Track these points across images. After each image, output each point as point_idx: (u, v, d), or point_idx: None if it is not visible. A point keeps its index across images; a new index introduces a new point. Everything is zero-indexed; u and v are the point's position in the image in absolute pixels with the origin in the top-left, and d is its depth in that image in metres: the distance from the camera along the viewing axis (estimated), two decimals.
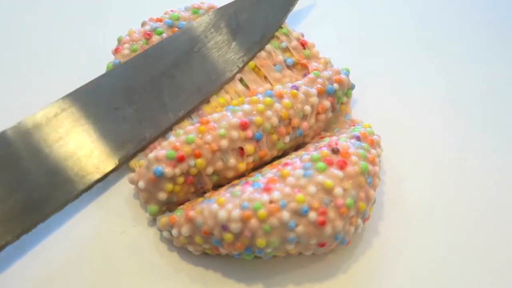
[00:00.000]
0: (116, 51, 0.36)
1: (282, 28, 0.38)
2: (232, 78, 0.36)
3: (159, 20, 0.38)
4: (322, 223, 0.28)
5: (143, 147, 0.32)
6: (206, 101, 0.34)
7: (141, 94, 0.33)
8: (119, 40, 0.37)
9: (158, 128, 0.33)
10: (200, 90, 0.34)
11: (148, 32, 0.37)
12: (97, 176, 0.31)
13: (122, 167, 0.32)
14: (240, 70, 0.36)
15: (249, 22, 0.37)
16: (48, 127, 0.31)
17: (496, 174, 0.35)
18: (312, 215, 0.27)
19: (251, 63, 0.37)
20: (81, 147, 0.31)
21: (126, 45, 0.36)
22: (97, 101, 0.32)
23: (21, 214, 0.28)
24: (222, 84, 0.35)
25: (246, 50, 0.36)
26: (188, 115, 0.34)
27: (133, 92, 0.33)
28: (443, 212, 0.33)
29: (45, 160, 0.30)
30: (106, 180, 0.33)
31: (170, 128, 0.33)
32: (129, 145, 0.32)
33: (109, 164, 0.31)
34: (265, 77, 0.37)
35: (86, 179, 0.30)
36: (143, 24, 0.38)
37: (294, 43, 0.38)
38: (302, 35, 0.38)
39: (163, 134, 0.33)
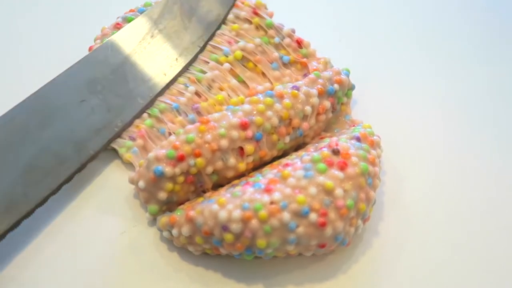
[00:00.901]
0: (90, 50, 0.37)
1: (265, 19, 0.38)
2: (195, 59, 0.36)
3: (132, 10, 0.38)
4: (323, 224, 0.28)
5: (118, 133, 0.33)
6: (172, 83, 0.35)
7: (105, 84, 0.33)
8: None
9: (129, 113, 0.33)
10: (166, 74, 0.35)
11: (119, 23, 0.37)
12: (76, 166, 0.31)
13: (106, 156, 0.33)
14: (202, 49, 0.37)
15: (201, 3, 0.38)
16: (17, 126, 0.31)
17: (496, 174, 0.35)
18: (313, 216, 0.28)
19: (250, 63, 0.37)
20: (55, 141, 0.31)
21: (98, 41, 0.37)
22: (61, 97, 0.32)
23: (1, 212, 0.28)
24: (186, 65, 0.36)
25: (203, 30, 0.37)
26: (158, 97, 0.35)
27: (96, 84, 0.33)
28: (443, 212, 0.33)
29: (21, 156, 0.30)
30: (106, 180, 0.33)
31: (143, 111, 0.34)
32: (102, 134, 0.32)
33: (84, 154, 0.31)
34: (263, 74, 0.37)
35: (64, 171, 0.30)
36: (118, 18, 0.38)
37: (287, 40, 0.38)
38: (293, 31, 0.38)
39: (138, 116, 0.34)
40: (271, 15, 0.39)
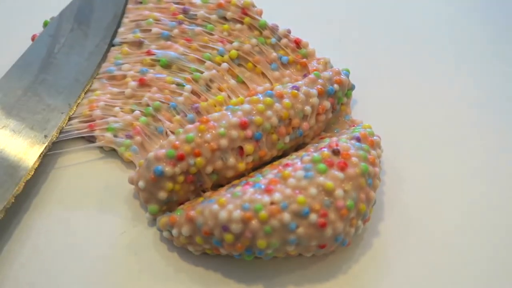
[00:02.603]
0: (33, 38, 0.37)
1: (258, 20, 0.38)
2: (104, 59, 0.37)
3: (36, 35, 0.38)
4: (323, 225, 0.28)
5: (49, 146, 0.33)
6: (89, 88, 0.36)
7: (20, 106, 0.34)
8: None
9: (53, 125, 0.33)
10: (79, 80, 0.35)
11: None
12: (13, 188, 0.30)
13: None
14: (109, 49, 0.38)
15: (94, 8, 0.39)
16: None
17: (496, 174, 0.35)
18: (313, 216, 0.28)
19: (249, 63, 0.37)
20: None
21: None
22: None
23: None
24: (97, 66, 0.36)
25: (104, 31, 0.38)
26: (78, 103, 0.35)
27: (11, 108, 0.33)
28: (443, 212, 0.33)
29: None
30: (105, 180, 0.33)
31: (66, 121, 0.34)
32: (32, 151, 0.32)
33: (17, 176, 0.31)
34: (263, 75, 0.37)
35: (3, 194, 0.30)
36: None
37: (285, 40, 0.38)
38: (289, 31, 0.38)
39: (64, 124, 0.34)
40: (260, 13, 0.39)
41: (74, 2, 0.39)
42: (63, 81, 0.35)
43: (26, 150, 0.32)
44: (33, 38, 0.38)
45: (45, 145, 0.32)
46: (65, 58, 0.36)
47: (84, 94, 0.35)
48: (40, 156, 0.32)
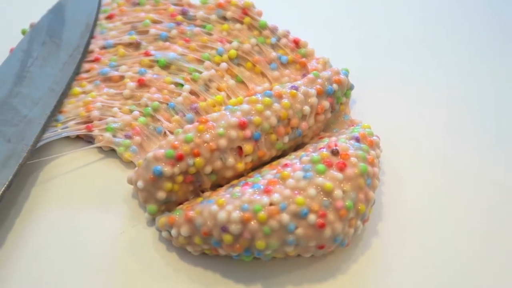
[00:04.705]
0: (11, 50, 0.38)
1: (258, 20, 0.38)
2: (79, 66, 0.37)
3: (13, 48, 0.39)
4: (322, 226, 0.28)
5: (27, 156, 0.32)
6: (66, 95, 0.36)
7: None
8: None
9: (30, 136, 0.33)
10: (54, 90, 0.35)
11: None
12: None
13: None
14: (84, 56, 0.38)
15: (65, 22, 0.39)
16: None
17: (496, 174, 0.35)
18: (312, 217, 0.28)
19: (248, 63, 0.37)
20: None
21: None
22: None
23: None
24: (72, 75, 0.36)
25: (77, 40, 0.38)
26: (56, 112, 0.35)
27: None
28: (443, 212, 0.33)
29: None
30: (104, 180, 0.33)
31: (47, 126, 0.34)
32: (9, 164, 0.31)
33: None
34: (262, 75, 0.37)
35: None
36: None
37: (284, 40, 0.38)
38: (288, 32, 0.38)
39: (42, 134, 0.34)
40: (260, 14, 0.39)
41: (45, 17, 0.39)
42: (38, 92, 0.35)
43: (4, 163, 0.31)
44: (11, 50, 0.38)
45: (24, 156, 0.32)
46: (39, 70, 0.36)
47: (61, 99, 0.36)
48: (19, 166, 0.31)
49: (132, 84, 0.36)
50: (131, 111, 0.35)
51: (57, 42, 0.38)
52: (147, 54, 0.37)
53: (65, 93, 0.36)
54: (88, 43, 0.38)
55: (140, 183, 0.30)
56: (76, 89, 0.36)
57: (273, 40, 0.38)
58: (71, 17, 0.40)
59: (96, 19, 0.40)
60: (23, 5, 0.43)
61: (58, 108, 0.35)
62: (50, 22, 0.39)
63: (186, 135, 0.30)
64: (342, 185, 0.29)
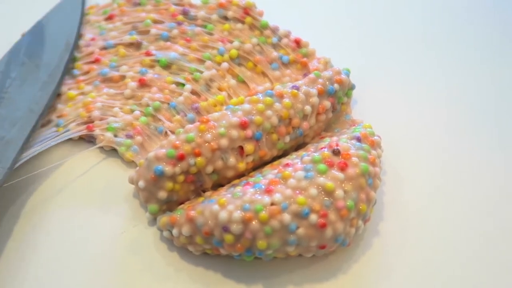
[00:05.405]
0: None
1: (259, 20, 0.38)
2: (61, 82, 0.36)
3: None
4: (323, 226, 0.28)
5: (5, 178, 0.31)
6: (43, 114, 0.35)
7: None
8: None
9: (8, 157, 0.32)
10: (33, 110, 0.34)
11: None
12: None
13: None
14: (65, 71, 0.37)
15: (44, 42, 0.39)
16: None
17: (496, 175, 0.35)
18: (313, 217, 0.28)
19: (249, 63, 0.37)
20: None
21: None
22: None
23: None
24: (54, 91, 0.36)
25: (57, 60, 0.37)
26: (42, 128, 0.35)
27: None
28: (444, 212, 0.33)
29: None
30: (105, 180, 0.33)
31: (24, 149, 0.33)
32: None
33: None
34: (263, 74, 0.37)
35: None
36: None
37: (285, 40, 0.38)
38: (290, 32, 0.38)
39: (22, 152, 0.33)
40: (261, 14, 0.39)
41: (23, 39, 0.39)
42: (17, 112, 0.34)
43: None
44: None
45: (2, 177, 0.31)
46: (17, 91, 0.35)
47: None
48: None
49: (133, 84, 0.36)
50: (132, 111, 0.35)
51: (36, 62, 0.37)
52: (148, 54, 0.37)
53: (44, 113, 0.35)
54: (68, 62, 0.37)
55: (141, 183, 0.30)
56: (71, 92, 0.36)
57: (274, 40, 0.38)
58: (51, 37, 0.39)
59: (77, 37, 0.39)
60: (23, 6, 0.43)
61: (37, 127, 0.34)
62: (28, 43, 0.38)
63: (187, 135, 0.30)
64: (343, 185, 0.29)
